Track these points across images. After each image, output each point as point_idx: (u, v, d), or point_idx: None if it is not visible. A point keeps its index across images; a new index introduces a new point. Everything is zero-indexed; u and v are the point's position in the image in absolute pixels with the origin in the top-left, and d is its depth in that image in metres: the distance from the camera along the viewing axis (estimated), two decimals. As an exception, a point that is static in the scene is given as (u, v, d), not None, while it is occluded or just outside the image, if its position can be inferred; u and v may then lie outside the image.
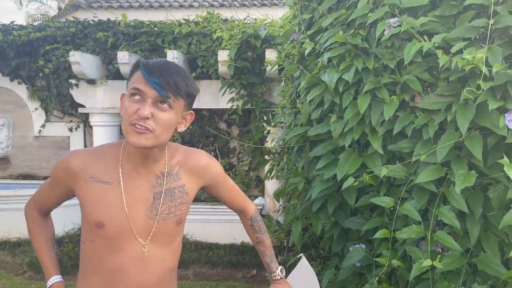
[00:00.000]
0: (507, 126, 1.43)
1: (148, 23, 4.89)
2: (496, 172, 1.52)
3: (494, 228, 1.58)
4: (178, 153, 1.31)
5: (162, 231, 1.26)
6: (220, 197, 1.47)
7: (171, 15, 5.39)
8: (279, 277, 1.53)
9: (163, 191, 1.25)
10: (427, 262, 1.51)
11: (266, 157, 4.20)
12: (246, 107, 4.65)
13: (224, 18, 5.02)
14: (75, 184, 1.23)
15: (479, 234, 1.57)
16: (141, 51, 4.78)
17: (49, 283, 1.36)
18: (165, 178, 1.26)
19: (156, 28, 4.83)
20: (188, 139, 5.29)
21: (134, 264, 1.24)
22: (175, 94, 1.12)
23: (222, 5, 9.38)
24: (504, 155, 1.43)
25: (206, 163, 1.36)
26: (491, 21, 1.50)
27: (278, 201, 3.07)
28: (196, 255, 4.32)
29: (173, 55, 4.41)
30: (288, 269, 1.71)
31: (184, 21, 4.97)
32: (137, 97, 1.12)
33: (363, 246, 1.88)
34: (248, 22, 4.79)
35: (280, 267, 1.55)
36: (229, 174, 5.36)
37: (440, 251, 1.64)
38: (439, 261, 1.52)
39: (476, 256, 1.59)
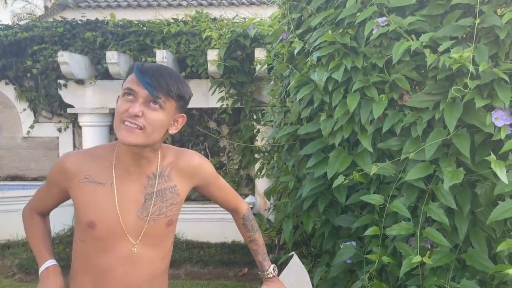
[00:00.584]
0: (494, 124, 1.46)
1: (136, 22, 4.87)
2: (484, 169, 1.54)
3: (482, 224, 1.61)
4: (170, 154, 1.32)
5: (152, 232, 1.27)
6: (212, 197, 1.48)
7: (159, 14, 5.37)
8: (271, 275, 1.54)
9: (154, 192, 1.26)
10: (417, 258, 1.54)
11: (256, 155, 4.21)
12: (235, 106, 4.65)
13: (213, 17, 5.02)
14: (69, 185, 1.24)
15: (468, 230, 1.59)
16: (130, 50, 4.75)
17: (45, 265, 1.29)
18: (156, 179, 1.27)
19: (145, 28, 4.80)
20: (178, 138, 5.28)
21: (123, 264, 1.25)
22: (166, 95, 1.14)
23: (210, 4, 9.36)
24: (491, 152, 1.46)
25: (198, 163, 1.37)
26: (477, 21, 1.52)
27: (269, 200, 3.09)
28: (187, 254, 4.32)
29: (162, 55, 4.40)
30: (280, 267, 1.72)
31: (173, 21, 4.96)
32: (129, 96, 1.14)
33: (353, 243, 1.90)
34: (237, 21, 4.80)
35: (272, 266, 1.56)
36: (219, 173, 5.34)
37: (430, 247, 1.66)
38: (429, 257, 1.55)
39: (464, 252, 1.62)
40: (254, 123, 4.70)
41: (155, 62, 4.38)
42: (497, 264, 1.52)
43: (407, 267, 1.57)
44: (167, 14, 5.59)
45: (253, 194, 5.10)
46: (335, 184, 1.82)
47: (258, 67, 3.83)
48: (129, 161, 1.22)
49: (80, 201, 1.22)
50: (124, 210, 1.22)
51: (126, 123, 1.12)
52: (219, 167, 5.32)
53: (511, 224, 1.53)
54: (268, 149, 3.86)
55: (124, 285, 1.25)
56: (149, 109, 1.13)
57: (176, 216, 1.33)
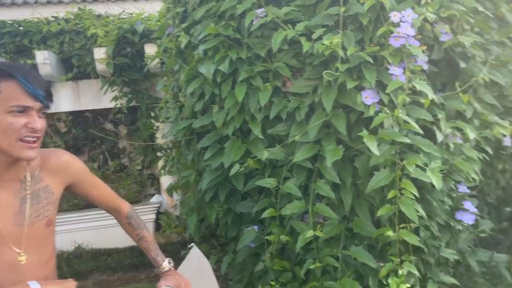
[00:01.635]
0: (364, 103, 1.61)
1: (11, 22, 4.48)
2: (360, 144, 1.69)
3: (364, 194, 1.77)
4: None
5: (33, 235, 1.23)
6: (89, 196, 1.44)
7: (37, 13, 4.99)
8: (167, 269, 1.51)
9: (29, 194, 1.22)
10: (310, 233, 1.66)
11: (158, 153, 4.14)
12: (131, 104, 4.53)
13: (97, 14, 4.80)
14: None
15: (352, 201, 1.75)
16: (5, 53, 4.37)
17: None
18: (28, 182, 1.23)
19: (21, 28, 4.45)
20: (72, 143, 5.00)
21: (7, 272, 1.19)
22: (52, 102, 1.17)
23: (95, 0, 8.88)
24: (364, 128, 1.61)
25: (67, 160, 1.34)
26: (342, 9, 1.66)
27: (171, 196, 3.06)
28: (94, 264, 4.15)
29: (43, 56, 4.11)
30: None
31: (53, 19, 4.66)
32: (20, 113, 1.10)
33: (255, 227, 1.97)
34: (124, 17, 4.64)
35: (167, 259, 1.52)
36: (121, 176, 5.18)
37: (322, 221, 1.79)
38: (320, 231, 1.67)
39: (352, 221, 1.77)
40: (153, 121, 4.61)
41: (35, 64, 4.08)
42: (379, 228, 1.69)
43: (302, 242, 1.68)
44: (47, 12, 5.21)
45: (159, 193, 5.02)
46: (232, 172, 1.87)
47: (148, 63, 3.76)
48: (3, 169, 1.17)
49: None
50: (1, 219, 1.17)
51: (26, 138, 1.10)
52: (120, 169, 5.13)
53: (388, 191, 1.70)
54: (170, 146, 3.82)
55: None
56: (40, 118, 1.14)
57: (54, 215, 1.30)
